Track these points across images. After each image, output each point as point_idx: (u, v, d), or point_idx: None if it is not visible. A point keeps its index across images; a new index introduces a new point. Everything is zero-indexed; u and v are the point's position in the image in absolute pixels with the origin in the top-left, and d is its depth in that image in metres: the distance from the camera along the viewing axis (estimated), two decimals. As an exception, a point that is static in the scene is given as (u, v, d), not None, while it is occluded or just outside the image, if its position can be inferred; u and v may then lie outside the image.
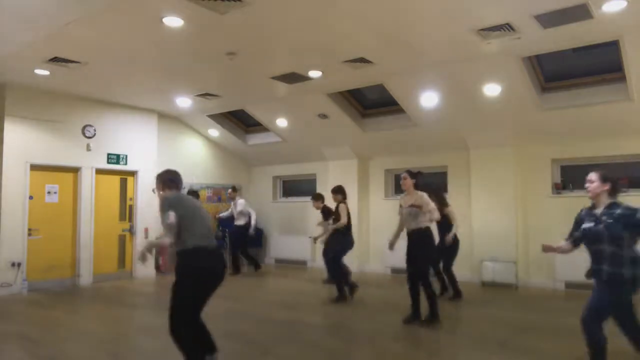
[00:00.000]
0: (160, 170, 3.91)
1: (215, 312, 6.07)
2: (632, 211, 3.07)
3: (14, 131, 7.31)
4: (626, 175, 7.12)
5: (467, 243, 8.06)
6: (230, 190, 9.49)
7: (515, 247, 7.56)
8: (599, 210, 3.22)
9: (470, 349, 4.37)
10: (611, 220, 3.10)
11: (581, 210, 3.38)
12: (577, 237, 3.34)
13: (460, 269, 8.14)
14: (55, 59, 6.12)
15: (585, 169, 7.56)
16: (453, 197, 8.46)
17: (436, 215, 5.08)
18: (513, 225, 7.61)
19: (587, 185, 3.30)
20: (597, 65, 6.52)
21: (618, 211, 3.13)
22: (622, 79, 6.12)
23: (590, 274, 3.25)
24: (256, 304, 6.51)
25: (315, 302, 6.63)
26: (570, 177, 7.68)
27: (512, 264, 7.47)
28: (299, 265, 10.22)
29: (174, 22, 4.94)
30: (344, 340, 4.83)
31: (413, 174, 5.27)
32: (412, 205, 5.09)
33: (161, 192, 3.64)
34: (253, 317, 5.68)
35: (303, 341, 4.71)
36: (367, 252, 9.24)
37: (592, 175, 3.29)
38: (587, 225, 3.24)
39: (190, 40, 5.49)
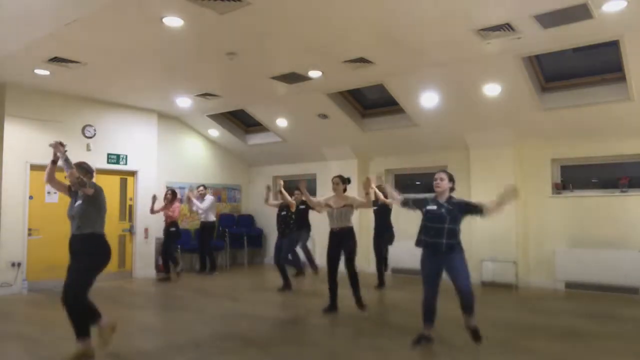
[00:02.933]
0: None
1: (215, 312, 6.09)
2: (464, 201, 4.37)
3: (14, 131, 7.32)
4: (626, 175, 7.12)
5: (467, 243, 8.01)
6: (201, 187, 9.31)
7: (515, 247, 7.55)
8: (441, 200, 4.32)
9: (470, 349, 4.37)
10: (451, 207, 4.25)
11: (426, 197, 4.51)
12: (410, 205, 4.54)
13: (460, 269, 8.13)
14: (55, 59, 6.12)
15: (585, 169, 7.64)
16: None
17: (366, 200, 5.59)
18: (513, 225, 7.60)
19: (438, 182, 4.31)
20: (597, 65, 6.52)
21: (455, 200, 4.33)
22: (622, 79, 6.11)
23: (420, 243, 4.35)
24: (256, 304, 6.51)
25: (316, 302, 6.63)
26: (570, 177, 7.68)
27: (512, 264, 7.47)
28: (299, 265, 10.19)
29: (174, 22, 4.94)
30: (344, 340, 4.83)
31: (344, 180, 5.87)
32: (344, 206, 5.67)
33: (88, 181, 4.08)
34: (253, 317, 5.68)
35: (303, 341, 4.71)
36: (368, 253, 9.21)
37: (442, 174, 4.34)
38: (431, 207, 4.31)
39: (190, 40, 5.49)
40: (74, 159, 8.24)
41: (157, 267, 9.15)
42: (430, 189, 8.47)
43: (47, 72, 6.66)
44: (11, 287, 7.16)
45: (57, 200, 7.86)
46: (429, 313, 4.34)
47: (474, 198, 7.98)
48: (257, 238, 10.90)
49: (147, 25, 5.04)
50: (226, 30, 5.21)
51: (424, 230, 4.34)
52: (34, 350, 4.40)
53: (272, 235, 10.90)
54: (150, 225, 8.89)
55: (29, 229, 7.43)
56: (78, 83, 7.25)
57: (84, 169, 4.22)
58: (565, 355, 4.16)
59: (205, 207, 9.03)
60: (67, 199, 8.02)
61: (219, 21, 4.91)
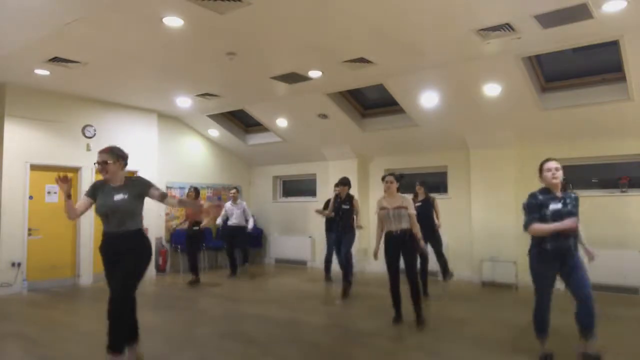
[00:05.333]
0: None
1: (215, 312, 6.09)
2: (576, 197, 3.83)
3: (14, 131, 7.32)
4: (626, 175, 7.12)
5: (467, 243, 8.06)
6: (234, 190, 9.12)
7: (515, 247, 7.54)
8: (559, 194, 3.76)
9: (470, 349, 4.38)
10: (574, 202, 3.77)
11: (534, 196, 3.82)
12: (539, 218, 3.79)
13: (460, 269, 8.15)
14: (55, 59, 6.12)
15: (585, 169, 7.63)
16: (453, 197, 8.48)
17: (415, 219, 5.21)
18: (513, 225, 7.58)
19: (556, 173, 3.74)
20: (597, 65, 6.52)
21: (573, 195, 3.82)
22: (622, 79, 6.11)
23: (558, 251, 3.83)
24: (256, 304, 6.51)
25: (315, 302, 6.63)
26: (570, 177, 7.66)
27: (512, 264, 7.46)
28: (299, 265, 10.22)
29: (174, 22, 4.94)
30: (344, 340, 4.83)
31: (398, 178, 5.37)
32: (399, 207, 5.18)
33: (123, 170, 3.71)
34: (253, 317, 5.68)
35: (303, 341, 4.71)
36: (368, 252, 9.23)
37: (557, 164, 3.78)
38: (555, 206, 3.71)
39: (190, 40, 5.49)
40: (74, 159, 8.28)
41: (157, 266, 9.15)
42: (430, 189, 8.52)
43: (47, 72, 6.66)
44: (11, 287, 7.16)
45: (57, 200, 7.88)
46: (545, 324, 3.94)
47: (474, 198, 8.03)
48: (257, 238, 10.89)
49: (147, 25, 5.04)
50: (226, 30, 5.21)
51: (552, 235, 3.76)
52: (34, 350, 4.40)
53: (272, 235, 10.92)
54: (149, 225, 8.88)
55: (29, 229, 7.43)
56: (78, 83, 7.25)
57: (115, 154, 3.63)
58: (566, 355, 4.16)
59: (252, 222, 8.94)
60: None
61: (219, 21, 4.91)
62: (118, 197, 3.52)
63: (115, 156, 3.61)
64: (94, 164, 3.69)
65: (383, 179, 5.38)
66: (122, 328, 3.48)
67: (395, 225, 5.18)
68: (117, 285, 3.49)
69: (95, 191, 3.63)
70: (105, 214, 3.55)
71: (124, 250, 3.49)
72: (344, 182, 7.12)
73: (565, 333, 4.24)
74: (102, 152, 3.62)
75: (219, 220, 9.04)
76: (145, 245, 3.68)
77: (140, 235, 3.63)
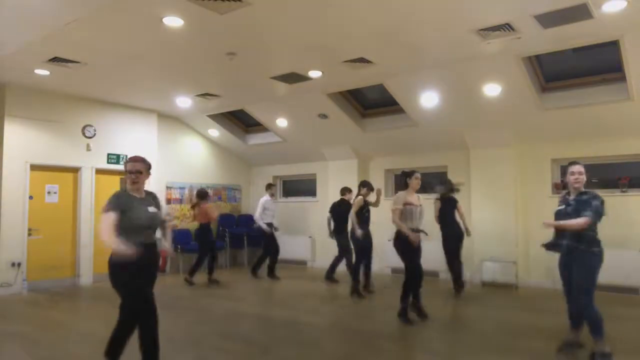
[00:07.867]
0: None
1: (215, 312, 6.09)
2: (592, 196, 3.76)
3: (14, 131, 7.32)
4: (626, 175, 7.12)
5: (467, 243, 8.04)
6: (273, 186, 8.93)
7: (515, 247, 7.56)
8: (571, 197, 3.89)
9: (470, 349, 4.37)
10: (576, 205, 3.78)
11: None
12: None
13: (460, 269, 8.14)
14: (55, 59, 6.12)
15: (585, 169, 7.61)
16: (453, 197, 8.48)
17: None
18: (513, 225, 7.61)
19: (577, 177, 3.78)
20: (597, 65, 6.52)
21: (585, 197, 3.78)
22: (622, 79, 6.11)
23: (551, 247, 4.03)
24: (256, 304, 6.51)
25: (315, 302, 6.63)
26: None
27: (512, 264, 7.47)
28: (299, 265, 10.22)
29: (174, 22, 4.94)
30: (344, 340, 4.83)
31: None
32: (421, 205, 5.36)
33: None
34: (253, 317, 5.68)
35: (303, 341, 4.71)
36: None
37: (581, 168, 3.82)
38: (558, 208, 3.94)
39: (190, 40, 5.49)
40: (74, 159, 8.27)
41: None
42: (429, 188, 8.50)
43: (47, 72, 6.66)
44: (11, 287, 7.16)
45: (57, 200, 7.88)
46: (572, 317, 4.14)
47: (474, 198, 8.02)
48: (257, 238, 10.86)
49: (147, 25, 5.04)
50: (226, 30, 5.21)
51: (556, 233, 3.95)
52: (34, 350, 4.40)
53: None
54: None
55: (29, 229, 7.43)
56: (78, 83, 7.25)
57: (148, 165, 3.57)
58: (565, 355, 4.16)
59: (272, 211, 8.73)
60: (67, 199, 8.09)
61: (219, 21, 4.91)
62: (151, 209, 3.48)
63: (147, 166, 3.53)
64: (126, 173, 3.50)
65: (409, 175, 5.38)
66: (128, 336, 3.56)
67: (419, 222, 5.33)
68: (152, 299, 3.49)
69: (120, 203, 3.38)
70: (142, 227, 3.40)
71: (151, 261, 3.54)
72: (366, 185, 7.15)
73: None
74: (135, 161, 3.49)
75: (267, 221, 8.65)
76: (158, 257, 3.73)
77: (156, 248, 3.64)
